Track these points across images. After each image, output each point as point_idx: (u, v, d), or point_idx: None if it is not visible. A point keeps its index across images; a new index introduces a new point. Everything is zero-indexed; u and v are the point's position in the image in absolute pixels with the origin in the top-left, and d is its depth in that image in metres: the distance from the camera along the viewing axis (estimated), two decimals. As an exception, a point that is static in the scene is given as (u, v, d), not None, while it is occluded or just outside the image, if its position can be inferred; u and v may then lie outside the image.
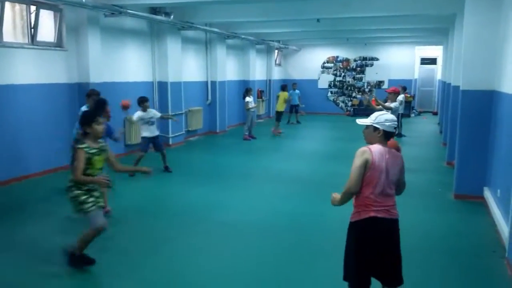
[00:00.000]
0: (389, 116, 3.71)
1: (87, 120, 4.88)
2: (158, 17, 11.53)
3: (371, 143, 3.69)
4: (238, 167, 10.69)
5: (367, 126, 3.72)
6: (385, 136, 3.66)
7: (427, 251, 5.58)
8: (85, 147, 4.75)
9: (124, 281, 4.83)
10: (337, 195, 3.76)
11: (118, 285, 4.77)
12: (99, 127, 4.86)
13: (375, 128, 3.65)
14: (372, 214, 3.57)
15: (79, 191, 4.81)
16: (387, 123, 3.64)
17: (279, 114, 16.01)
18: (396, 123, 3.72)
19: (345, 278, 3.79)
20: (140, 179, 9.31)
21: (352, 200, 3.72)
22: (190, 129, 14.63)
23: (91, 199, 4.86)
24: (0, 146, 8.35)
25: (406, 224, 3.74)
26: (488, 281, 4.96)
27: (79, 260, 4.97)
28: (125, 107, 8.81)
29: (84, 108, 8.00)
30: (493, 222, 6.53)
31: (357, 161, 3.56)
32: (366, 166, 3.54)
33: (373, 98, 9.97)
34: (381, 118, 3.66)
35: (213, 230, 6.37)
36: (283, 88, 16.85)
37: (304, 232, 6.34)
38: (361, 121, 3.79)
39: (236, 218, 6.89)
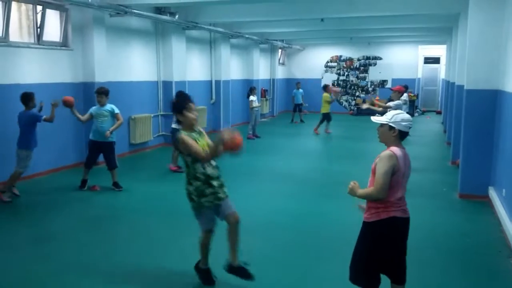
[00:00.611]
0: (406, 116, 3.68)
1: (178, 108, 4.51)
2: (163, 16, 11.57)
3: (385, 142, 3.69)
4: (242, 166, 10.69)
5: (382, 125, 3.68)
6: (400, 136, 3.64)
7: (432, 251, 5.60)
8: (186, 134, 4.40)
9: (123, 285, 4.86)
10: (358, 186, 3.67)
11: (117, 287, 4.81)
12: (191, 114, 4.47)
13: (391, 127, 3.62)
14: (392, 214, 3.58)
15: (198, 182, 4.52)
16: (403, 123, 3.61)
17: (324, 116, 15.68)
18: (412, 123, 3.70)
19: (354, 280, 3.76)
20: (145, 177, 9.36)
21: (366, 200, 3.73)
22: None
23: (209, 190, 4.58)
24: (5, 145, 8.38)
25: (411, 223, 3.75)
26: (494, 281, 4.96)
27: (205, 275, 4.76)
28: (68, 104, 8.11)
29: (95, 108, 8.06)
30: (499, 222, 6.55)
31: (385, 167, 3.50)
32: (393, 171, 3.52)
33: (376, 97, 10.00)
34: (398, 117, 3.62)
35: (216, 229, 6.37)
36: (324, 88, 16.35)
37: (309, 231, 6.36)
38: (376, 119, 3.75)
39: (242, 217, 6.86)
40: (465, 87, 7.89)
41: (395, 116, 3.63)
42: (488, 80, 7.54)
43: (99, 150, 8.21)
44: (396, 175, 3.54)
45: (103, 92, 8.10)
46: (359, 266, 3.73)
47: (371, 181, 3.66)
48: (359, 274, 3.73)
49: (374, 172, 3.62)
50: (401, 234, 3.70)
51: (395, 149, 3.57)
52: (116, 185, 8.32)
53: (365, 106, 10.60)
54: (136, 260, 5.32)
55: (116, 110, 8.17)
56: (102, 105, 8.08)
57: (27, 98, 7.49)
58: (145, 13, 10.74)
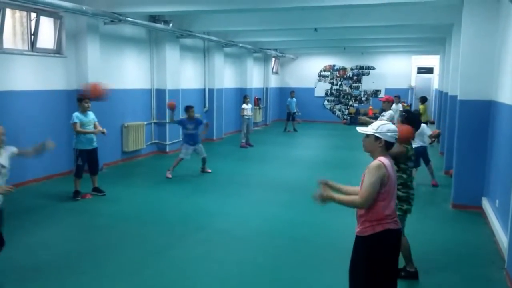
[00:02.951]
0: (392, 126, 3.66)
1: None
2: (157, 25, 11.57)
3: (371, 153, 3.67)
4: (235, 174, 10.70)
5: (368, 135, 3.65)
6: (386, 146, 3.62)
7: (424, 261, 5.58)
8: None
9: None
10: (331, 185, 3.82)
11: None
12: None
13: (377, 138, 3.61)
14: (387, 226, 3.56)
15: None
16: (389, 133, 3.60)
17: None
18: (397, 133, 3.71)
19: None
20: (138, 185, 9.31)
21: (356, 212, 3.69)
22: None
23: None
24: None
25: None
26: (487, 291, 4.97)
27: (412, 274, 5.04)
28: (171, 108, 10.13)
29: (78, 114, 7.97)
30: (492, 233, 6.56)
31: (373, 177, 3.48)
32: (383, 181, 3.49)
33: (369, 108, 10.07)
34: (384, 128, 3.60)
35: (212, 239, 6.36)
36: (423, 100, 16.82)
37: (302, 240, 6.33)
38: (362, 130, 3.71)
39: (235, 226, 6.88)
40: (458, 98, 7.93)
41: (381, 126, 3.62)
42: (481, 91, 7.58)
43: (88, 157, 8.19)
44: (388, 185, 3.52)
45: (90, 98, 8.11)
46: (363, 283, 3.66)
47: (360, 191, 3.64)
48: None
49: (363, 183, 3.60)
50: (396, 245, 3.69)
51: (383, 159, 3.56)
52: (98, 190, 8.39)
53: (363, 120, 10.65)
54: (127, 269, 5.28)
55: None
56: (87, 111, 8.09)
57: None
58: (139, 21, 10.73)
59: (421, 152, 9.10)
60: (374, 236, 3.57)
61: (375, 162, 3.55)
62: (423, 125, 8.19)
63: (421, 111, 16.16)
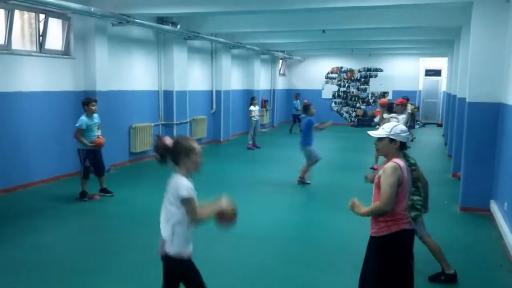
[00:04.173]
0: (403, 127, 3.69)
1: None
2: (165, 26, 11.60)
3: (386, 156, 3.67)
4: (242, 176, 10.68)
5: (381, 138, 3.66)
6: (401, 147, 3.63)
7: (432, 265, 5.53)
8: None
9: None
10: (359, 204, 3.66)
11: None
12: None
13: (391, 140, 3.61)
14: (402, 226, 3.57)
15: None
16: (402, 134, 3.62)
17: None
18: (409, 133, 3.71)
19: None
20: (146, 187, 9.32)
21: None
22: (194, 137, 14.62)
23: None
24: (6, 152, 8.37)
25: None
26: (496, 295, 4.92)
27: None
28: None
29: (84, 118, 7.95)
30: (500, 236, 6.50)
31: (391, 179, 3.48)
32: (398, 182, 3.50)
33: (377, 110, 10.01)
34: (397, 129, 3.62)
35: (218, 241, 6.34)
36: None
37: (311, 242, 6.31)
38: (374, 133, 3.72)
39: (242, 229, 6.82)
40: (467, 100, 7.87)
41: (394, 128, 3.63)
42: (490, 93, 7.52)
43: (92, 159, 8.18)
44: (402, 186, 3.52)
45: (95, 101, 8.17)
46: (379, 285, 3.64)
47: (376, 194, 3.62)
48: None
49: (378, 186, 3.58)
50: (410, 245, 3.70)
51: (398, 160, 3.56)
52: (106, 190, 8.40)
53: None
54: (133, 272, 5.28)
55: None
56: (93, 114, 8.12)
57: None
58: (147, 22, 10.77)
59: None
60: (389, 236, 3.56)
61: (391, 164, 3.55)
62: None
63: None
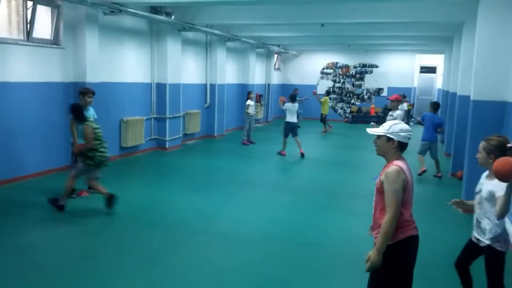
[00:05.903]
0: (404, 126, 3.41)
1: None
2: (159, 17, 11.25)
3: (384, 155, 3.42)
4: (237, 173, 10.39)
5: (379, 136, 3.40)
6: (400, 147, 3.37)
7: (436, 267, 5.33)
8: None
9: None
10: (370, 253, 3.28)
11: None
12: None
13: (389, 139, 3.35)
14: (409, 233, 3.34)
15: None
16: (402, 133, 3.34)
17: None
18: (411, 133, 3.42)
19: None
20: (136, 183, 9.02)
21: (375, 221, 3.41)
22: (187, 132, 14.36)
23: None
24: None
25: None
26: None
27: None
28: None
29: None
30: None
31: (396, 186, 3.22)
32: (402, 187, 3.26)
33: (372, 106, 9.76)
34: (396, 127, 3.36)
35: (212, 242, 6.06)
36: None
37: (309, 244, 6.06)
38: (372, 131, 3.45)
39: (237, 229, 6.58)
40: (471, 98, 7.65)
41: (392, 126, 3.37)
42: (495, 92, 7.31)
43: None
44: (407, 191, 3.28)
45: (93, 93, 7.79)
46: None
47: (377, 201, 3.37)
48: None
49: (380, 191, 3.32)
50: (416, 251, 3.45)
51: (399, 163, 3.30)
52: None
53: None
54: (124, 271, 4.98)
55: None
56: (88, 106, 7.75)
57: None
58: (140, 12, 10.41)
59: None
60: (396, 244, 3.31)
61: (393, 168, 3.27)
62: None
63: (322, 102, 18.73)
